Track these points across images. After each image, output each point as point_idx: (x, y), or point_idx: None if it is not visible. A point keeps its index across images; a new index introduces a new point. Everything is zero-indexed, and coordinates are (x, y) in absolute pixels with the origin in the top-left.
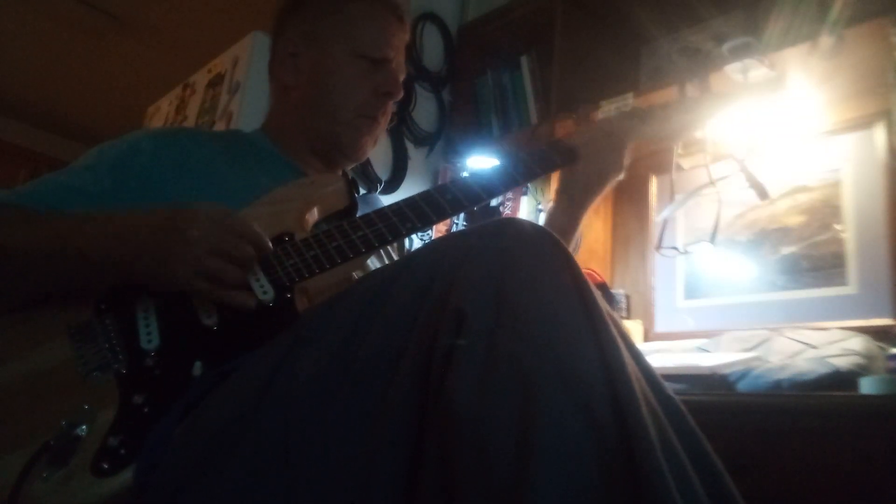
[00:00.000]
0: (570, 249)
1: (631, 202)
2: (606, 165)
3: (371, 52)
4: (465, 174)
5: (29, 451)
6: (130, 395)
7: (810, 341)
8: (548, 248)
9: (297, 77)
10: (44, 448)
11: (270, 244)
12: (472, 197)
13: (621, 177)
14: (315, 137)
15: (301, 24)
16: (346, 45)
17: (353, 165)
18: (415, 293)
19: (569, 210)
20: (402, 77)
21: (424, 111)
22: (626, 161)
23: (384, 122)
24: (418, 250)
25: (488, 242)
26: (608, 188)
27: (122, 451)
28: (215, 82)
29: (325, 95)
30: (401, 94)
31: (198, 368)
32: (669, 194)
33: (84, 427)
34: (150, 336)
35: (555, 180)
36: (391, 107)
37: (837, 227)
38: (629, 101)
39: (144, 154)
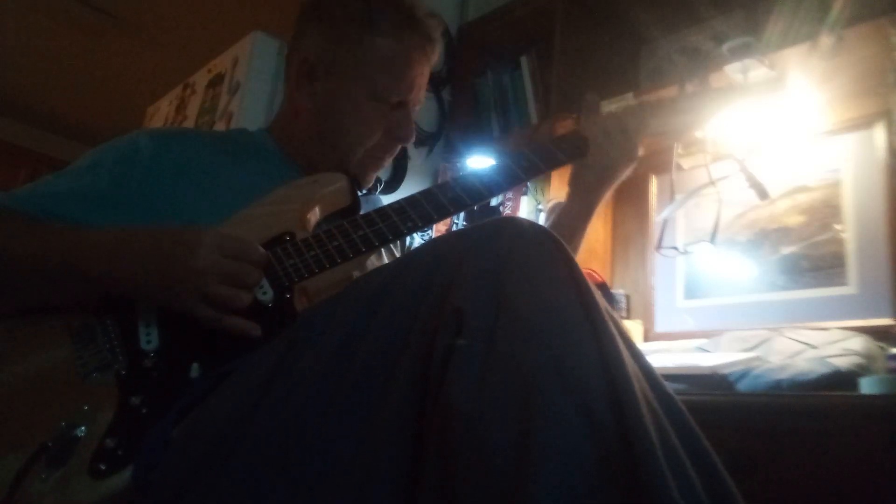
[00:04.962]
0: (579, 245)
1: (631, 202)
2: (620, 155)
3: (389, 95)
4: (465, 172)
5: (27, 451)
6: (128, 397)
7: (810, 341)
8: (547, 247)
9: (313, 101)
10: (42, 449)
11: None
12: (474, 194)
13: (634, 164)
14: (321, 159)
15: (323, 44)
16: (365, 86)
17: None
18: (414, 292)
19: (586, 200)
20: (419, 106)
21: (424, 111)
22: (641, 152)
23: (390, 159)
24: (417, 249)
25: (487, 241)
26: (622, 178)
27: (120, 453)
28: (215, 82)
29: (336, 131)
30: (412, 139)
31: (195, 370)
32: (669, 194)
33: (83, 428)
34: (149, 337)
35: (556, 179)
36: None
37: (837, 227)
38: (629, 101)
39: (144, 155)
